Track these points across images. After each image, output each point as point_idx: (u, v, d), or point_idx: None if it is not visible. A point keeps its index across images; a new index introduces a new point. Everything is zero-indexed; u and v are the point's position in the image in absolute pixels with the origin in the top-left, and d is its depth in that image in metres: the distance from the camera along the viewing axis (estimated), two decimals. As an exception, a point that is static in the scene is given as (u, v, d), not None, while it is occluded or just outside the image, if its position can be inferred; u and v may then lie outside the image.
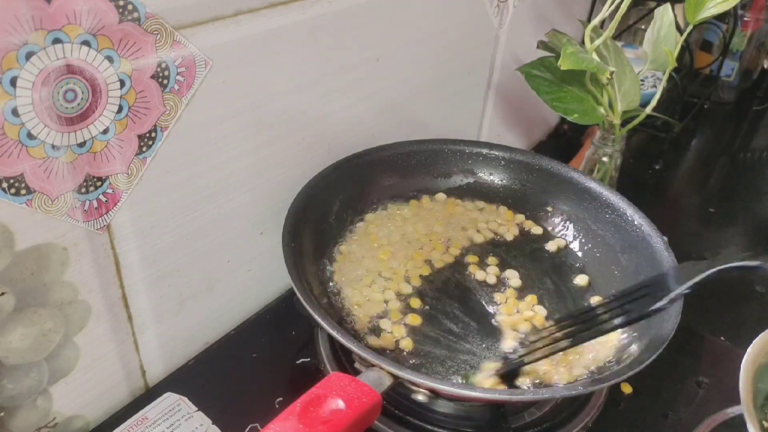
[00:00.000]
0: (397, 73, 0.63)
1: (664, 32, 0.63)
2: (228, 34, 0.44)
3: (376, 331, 0.50)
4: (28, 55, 0.34)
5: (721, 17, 1.00)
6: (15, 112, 0.35)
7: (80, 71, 0.36)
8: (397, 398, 0.48)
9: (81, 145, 0.38)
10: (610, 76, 0.59)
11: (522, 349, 0.48)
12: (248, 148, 0.51)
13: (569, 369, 0.47)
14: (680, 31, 0.63)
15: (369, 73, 0.59)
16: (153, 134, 0.42)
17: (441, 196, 0.63)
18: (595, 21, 0.61)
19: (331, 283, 0.54)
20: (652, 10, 0.77)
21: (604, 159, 0.68)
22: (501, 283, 0.56)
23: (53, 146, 0.37)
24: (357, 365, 0.42)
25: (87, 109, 0.38)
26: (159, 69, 0.41)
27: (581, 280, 0.57)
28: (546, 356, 0.46)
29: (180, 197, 0.47)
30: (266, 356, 0.54)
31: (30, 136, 0.36)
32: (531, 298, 0.54)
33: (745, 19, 1.03)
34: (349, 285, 0.54)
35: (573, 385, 0.41)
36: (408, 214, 0.62)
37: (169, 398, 0.49)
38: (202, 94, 0.44)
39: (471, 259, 0.58)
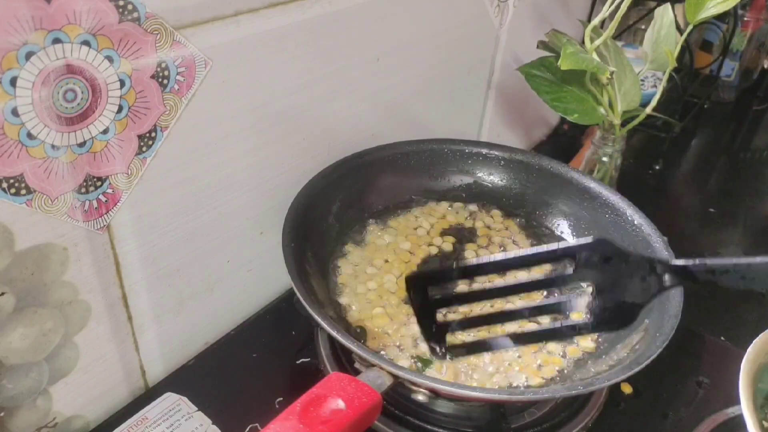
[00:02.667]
0: (397, 73, 0.63)
1: (664, 32, 0.63)
2: (228, 34, 0.44)
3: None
4: (28, 55, 0.34)
5: (721, 17, 1.00)
6: (15, 112, 0.35)
7: (80, 71, 0.36)
8: (397, 398, 0.48)
9: (81, 145, 0.38)
10: (610, 76, 0.59)
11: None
12: (248, 148, 0.51)
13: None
14: (680, 31, 0.63)
15: (369, 73, 0.59)
16: (153, 134, 0.42)
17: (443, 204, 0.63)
18: (595, 21, 0.61)
19: (331, 283, 0.54)
20: (652, 10, 0.77)
21: (604, 159, 0.68)
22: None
23: (53, 146, 0.37)
24: (357, 365, 0.42)
25: (87, 109, 0.38)
26: (159, 69, 0.41)
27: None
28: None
29: (180, 197, 0.47)
30: (266, 356, 0.54)
31: (30, 136, 0.36)
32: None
33: (745, 19, 1.03)
34: (349, 285, 0.54)
35: (573, 385, 0.41)
36: (407, 217, 0.62)
37: (169, 398, 0.49)
38: (202, 94, 0.44)
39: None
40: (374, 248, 0.58)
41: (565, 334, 0.43)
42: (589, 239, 0.39)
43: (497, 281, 0.44)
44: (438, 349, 0.43)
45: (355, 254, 0.57)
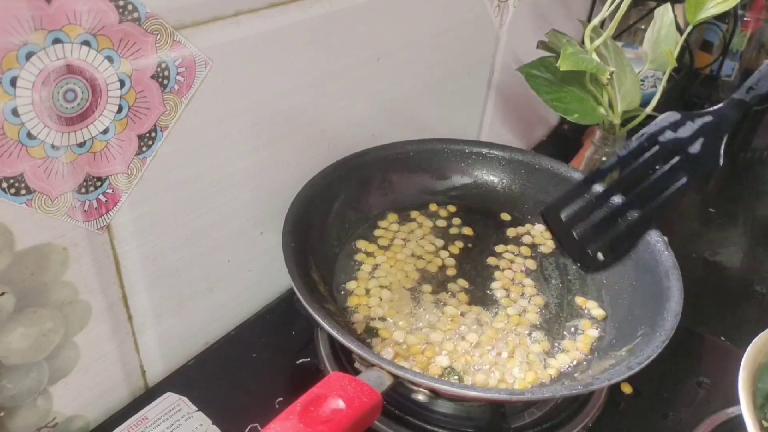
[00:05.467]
0: (397, 73, 0.63)
1: (664, 32, 0.63)
2: (228, 34, 0.44)
3: (372, 332, 0.50)
4: (28, 55, 0.34)
5: (721, 17, 1.00)
6: (15, 112, 0.35)
7: (80, 71, 0.36)
8: (397, 398, 0.48)
9: (81, 145, 0.38)
10: (610, 76, 0.59)
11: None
12: (248, 148, 0.51)
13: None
14: (680, 31, 0.63)
15: (369, 73, 0.59)
16: (153, 134, 0.42)
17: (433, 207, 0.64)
18: (595, 21, 0.61)
19: (331, 283, 0.54)
20: (652, 10, 0.77)
21: (604, 159, 0.68)
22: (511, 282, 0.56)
23: (53, 146, 0.37)
24: (357, 365, 0.42)
25: (87, 109, 0.38)
26: (159, 69, 0.41)
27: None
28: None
29: (180, 197, 0.47)
30: (266, 356, 0.54)
31: (30, 136, 0.36)
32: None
33: (745, 19, 1.03)
34: (349, 285, 0.54)
35: (573, 384, 0.41)
36: (408, 217, 0.62)
37: (169, 398, 0.49)
38: (202, 94, 0.44)
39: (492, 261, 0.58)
40: (374, 248, 0.58)
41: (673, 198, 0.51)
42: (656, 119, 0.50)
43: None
44: (586, 262, 0.53)
45: (356, 254, 0.57)
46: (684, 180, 0.50)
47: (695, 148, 0.49)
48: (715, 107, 0.48)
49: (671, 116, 0.49)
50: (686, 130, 0.48)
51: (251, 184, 0.53)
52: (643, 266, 0.52)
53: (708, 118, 0.48)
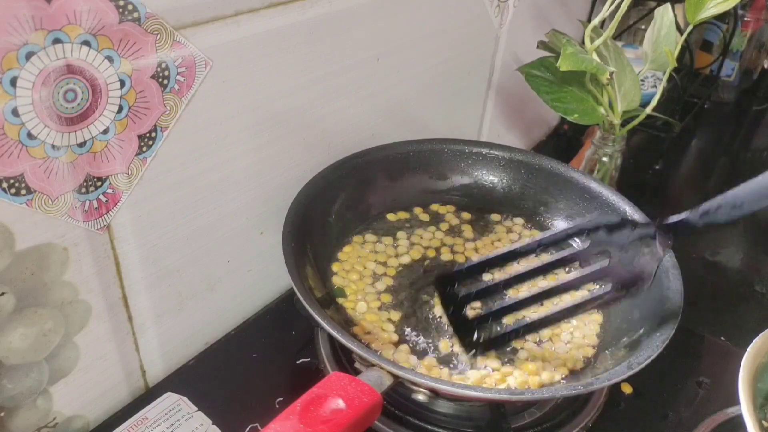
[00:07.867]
0: (397, 73, 0.63)
1: (664, 32, 0.63)
2: (228, 34, 0.44)
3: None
4: (28, 55, 0.34)
5: (721, 17, 1.00)
6: (15, 112, 0.35)
7: (80, 71, 0.36)
8: (397, 398, 0.48)
9: (81, 145, 0.38)
10: (610, 76, 0.59)
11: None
12: (248, 148, 0.51)
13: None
14: (680, 31, 0.63)
15: (369, 73, 0.59)
16: (153, 134, 0.42)
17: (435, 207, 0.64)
18: (595, 21, 0.61)
19: (331, 283, 0.54)
20: (652, 10, 0.77)
21: (604, 159, 0.68)
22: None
23: (53, 146, 0.37)
24: (357, 365, 0.42)
25: (87, 109, 0.38)
26: (159, 69, 0.41)
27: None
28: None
29: (180, 197, 0.47)
30: (266, 356, 0.54)
31: (30, 136, 0.36)
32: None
33: (745, 19, 1.03)
34: (349, 285, 0.54)
35: (573, 384, 0.41)
36: (408, 217, 0.62)
37: (169, 398, 0.49)
38: (202, 94, 0.44)
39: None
40: (374, 248, 0.58)
41: (586, 306, 0.45)
42: (592, 215, 0.44)
43: (517, 267, 0.45)
44: (468, 342, 0.45)
45: (356, 254, 0.57)
46: (608, 290, 0.43)
47: (627, 259, 0.42)
48: (662, 221, 0.42)
49: (610, 217, 0.43)
50: (622, 237, 0.42)
51: (251, 184, 0.53)
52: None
53: (649, 231, 0.42)
